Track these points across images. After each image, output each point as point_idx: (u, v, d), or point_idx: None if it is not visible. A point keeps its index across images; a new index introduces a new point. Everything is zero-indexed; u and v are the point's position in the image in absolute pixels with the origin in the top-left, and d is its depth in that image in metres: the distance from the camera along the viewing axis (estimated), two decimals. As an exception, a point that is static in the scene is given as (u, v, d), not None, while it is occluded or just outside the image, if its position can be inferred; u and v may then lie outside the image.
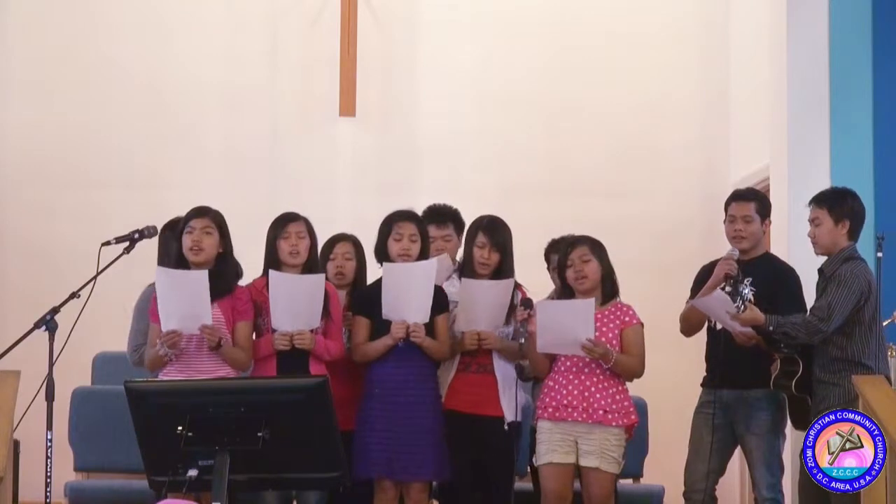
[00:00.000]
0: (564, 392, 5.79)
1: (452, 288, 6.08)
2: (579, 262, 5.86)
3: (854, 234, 5.93)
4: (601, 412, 5.75)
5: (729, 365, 6.06)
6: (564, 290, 5.98)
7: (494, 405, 5.96)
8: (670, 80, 9.40)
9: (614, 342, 5.82)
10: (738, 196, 6.25)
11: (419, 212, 6.23)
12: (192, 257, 5.72)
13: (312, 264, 5.92)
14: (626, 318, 5.89)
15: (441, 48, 9.34)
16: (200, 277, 5.58)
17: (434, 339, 5.89)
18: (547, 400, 5.83)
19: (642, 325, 5.99)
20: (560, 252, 6.01)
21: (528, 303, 5.87)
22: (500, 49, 9.35)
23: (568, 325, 5.73)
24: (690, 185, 9.30)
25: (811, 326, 5.74)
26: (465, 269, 6.08)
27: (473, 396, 5.97)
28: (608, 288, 5.92)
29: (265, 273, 5.91)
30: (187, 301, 5.56)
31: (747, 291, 5.79)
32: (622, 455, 5.81)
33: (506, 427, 5.94)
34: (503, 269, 6.04)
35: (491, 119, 9.31)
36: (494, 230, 6.05)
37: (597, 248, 5.92)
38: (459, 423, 5.92)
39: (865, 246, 6.18)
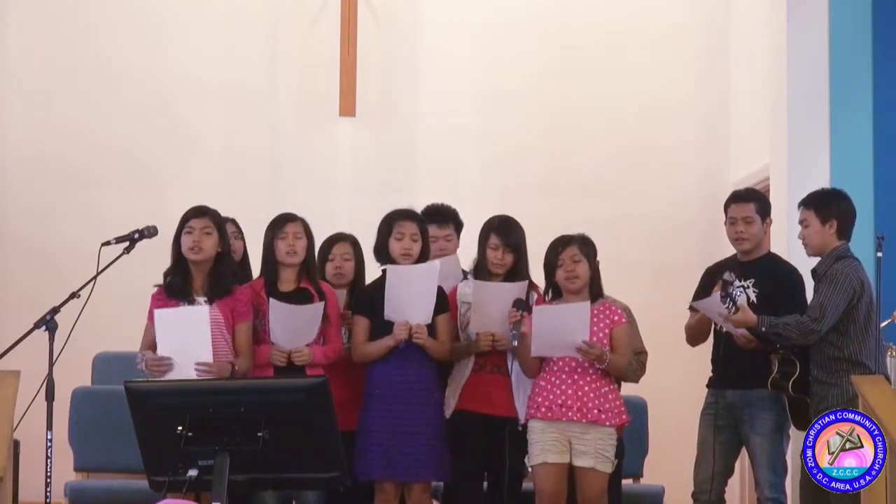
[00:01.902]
0: (558, 392, 5.78)
1: (468, 289, 6.05)
2: (570, 263, 5.86)
3: (843, 233, 5.92)
4: (596, 412, 5.75)
5: (733, 366, 6.06)
6: (552, 290, 5.96)
7: (508, 405, 5.93)
8: (670, 80, 9.40)
9: (605, 342, 5.82)
10: (738, 197, 6.23)
11: (418, 212, 6.22)
12: (192, 256, 5.73)
13: (309, 264, 5.93)
14: (615, 318, 5.88)
15: (441, 48, 9.34)
16: (201, 314, 5.60)
17: (435, 338, 5.89)
18: (539, 400, 5.81)
19: (630, 324, 5.99)
20: (549, 252, 5.99)
21: (520, 303, 5.83)
22: (501, 49, 9.35)
23: (564, 327, 5.73)
24: (690, 185, 9.30)
25: (804, 326, 5.74)
26: (479, 271, 6.03)
27: (487, 396, 5.95)
28: (595, 288, 5.92)
29: (263, 274, 5.92)
30: (188, 339, 5.58)
31: (738, 294, 5.77)
32: (616, 454, 5.82)
33: (520, 428, 5.91)
34: (518, 269, 5.99)
35: (491, 119, 9.31)
36: (507, 231, 6.01)
37: (586, 247, 5.92)
38: (473, 423, 5.91)
39: (865, 246, 6.18)
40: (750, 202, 6.17)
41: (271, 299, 5.77)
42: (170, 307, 5.71)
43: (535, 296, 6.03)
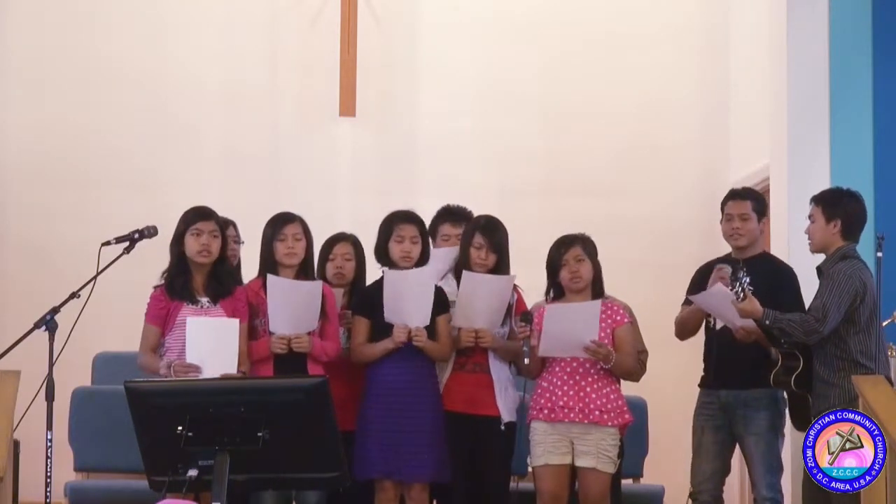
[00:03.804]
0: (560, 393, 5.79)
1: (448, 287, 6.07)
2: (574, 263, 5.87)
3: (848, 234, 5.91)
4: (597, 412, 5.75)
5: (727, 365, 6.07)
6: (555, 290, 5.96)
7: (490, 405, 5.94)
8: (670, 80, 9.40)
9: (606, 341, 5.82)
10: (735, 195, 6.27)
11: (424, 212, 6.22)
12: (201, 259, 5.72)
13: (308, 265, 5.93)
14: (618, 318, 5.89)
15: (441, 48, 9.34)
16: (233, 325, 5.62)
17: (435, 339, 5.89)
18: (542, 401, 5.82)
19: (633, 323, 5.99)
20: (552, 252, 5.99)
21: (527, 317, 5.84)
22: (501, 49, 9.35)
23: (574, 327, 5.73)
24: (690, 185, 9.30)
25: (807, 326, 5.74)
26: (462, 270, 6.05)
27: (469, 396, 5.96)
28: (597, 287, 5.93)
29: (261, 273, 5.92)
30: (216, 349, 5.58)
31: (746, 281, 5.75)
32: (617, 455, 5.82)
33: (502, 427, 5.93)
34: (500, 269, 6.03)
35: (491, 119, 9.31)
36: (492, 231, 6.03)
37: (589, 247, 5.93)
38: (455, 422, 5.91)
39: (865, 246, 6.18)
40: (747, 199, 6.21)
41: (269, 275, 5.77)
42: (172, 308, 5.71)
43: (515, 296, 6.04)
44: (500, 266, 6.03)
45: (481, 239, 6.01)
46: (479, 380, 5.98)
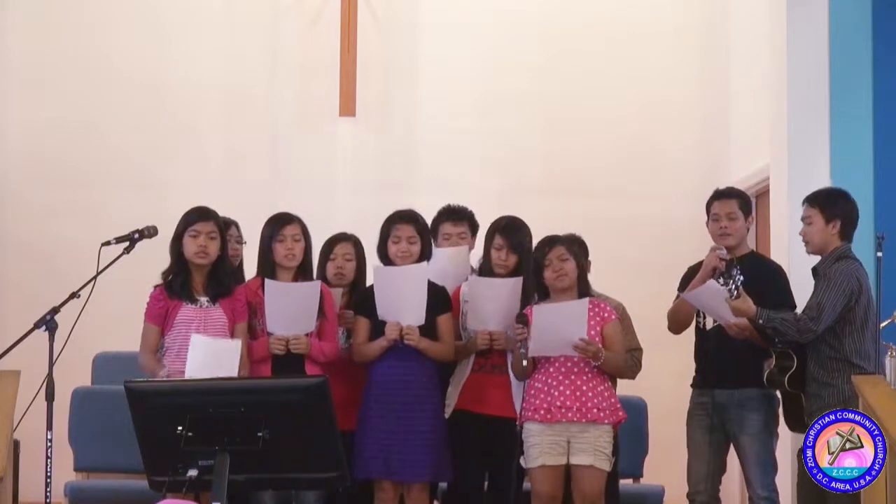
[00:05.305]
0: (556, 393, 5.77)
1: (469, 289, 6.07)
2: (558, 262, 5.85)
3: (846, 234, 5.91)
4: (595, 410, 5.75)
5: (720, 365, 6.07)
6: (540, 290, 5.96)
7: (508, 406, 5.93)
8: (670, 80, 9.40)
9: (596, 339, 5.82)
10: (721, 195, 6.29)
11: (424, 212, 6.22)
12: (199, 261, 5.72)
13: (307, 266, 5.93)
14: (605, 315, 5.88)
15: (441, 48, 9.35)
16: (234, 347, 5.59)
17: (436, 339, 5.89)
18: (537, 402, 5.78)
19: (622, 320, 6.00)
20: (536, 253, 5.99)
21: (523, 318, 5.83)
22: (500, 49, 9.35)
23: (563, 326, 5.73)
24: (691, 185, 9.28)
25: (802, 324, 5.73)
26: (484, 272, 6.04)
27: (487, 397, 5.95)
28: (583, 286, 5.93)
29: (259, 273, 5.91)
30: (216, 367, 5.52)
31: (741, 279, 5.74)
32: (612, 453, 5.82)
33: (518, 428, 5.92)
34: (521, 270, 5.99)
35: (491, 119, 9.32)
36: (512, 232, 6.01)
37: (573, 246, 5.92)
38: (472, 423, 5.91)
39: (865, 246, 6.18)
40: (733, 198, 6.24)
41: (266, 279, 5.77)
42: (172, 307, 5.72)
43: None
44: (522, 267, 5.99)
45: (501, 240, 6.00)
46: (498, 381, 5.97)
